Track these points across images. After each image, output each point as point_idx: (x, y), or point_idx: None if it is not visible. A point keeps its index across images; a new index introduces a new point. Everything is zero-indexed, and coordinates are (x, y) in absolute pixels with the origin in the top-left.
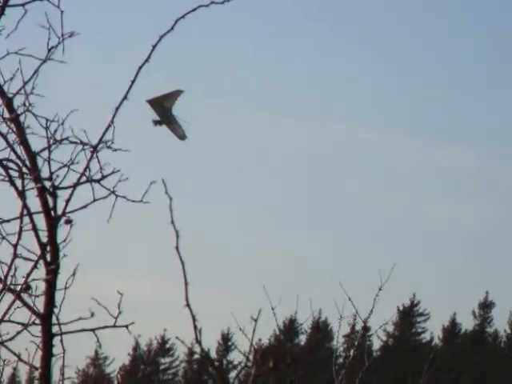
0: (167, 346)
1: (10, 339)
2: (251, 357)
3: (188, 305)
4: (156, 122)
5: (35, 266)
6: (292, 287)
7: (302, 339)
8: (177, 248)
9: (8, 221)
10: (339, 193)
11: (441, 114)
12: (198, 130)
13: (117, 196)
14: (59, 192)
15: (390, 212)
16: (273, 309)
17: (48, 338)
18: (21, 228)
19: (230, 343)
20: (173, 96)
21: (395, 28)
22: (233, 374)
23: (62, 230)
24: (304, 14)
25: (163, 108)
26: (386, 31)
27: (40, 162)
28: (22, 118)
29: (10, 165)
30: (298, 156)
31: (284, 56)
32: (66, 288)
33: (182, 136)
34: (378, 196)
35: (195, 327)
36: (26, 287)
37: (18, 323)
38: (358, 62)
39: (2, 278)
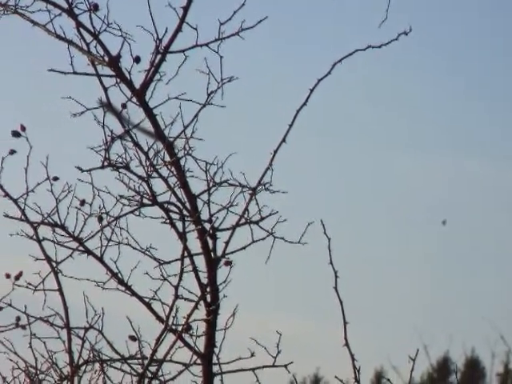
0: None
1: (172, 379)
2: None
3: (347, 344)
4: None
5: (196, 307)
6: (445, 325)
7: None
8: (335, 288)
9: (169, 262)
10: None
11: None
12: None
13: (275, 237)
14: (219, 234)
15: None
16: (425, 347)
17: (209, 377)
18: (182, 269)
19: (383, 382)
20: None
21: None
22: None
23: (222, 271)
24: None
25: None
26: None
27: (200, 204)
28: (182, 162)
29: (171, 207)
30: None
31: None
32: (226, 328)
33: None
34: None
35: (354, 366)
36: (187, 328)
37: (180, 363)
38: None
39: (164, 318)
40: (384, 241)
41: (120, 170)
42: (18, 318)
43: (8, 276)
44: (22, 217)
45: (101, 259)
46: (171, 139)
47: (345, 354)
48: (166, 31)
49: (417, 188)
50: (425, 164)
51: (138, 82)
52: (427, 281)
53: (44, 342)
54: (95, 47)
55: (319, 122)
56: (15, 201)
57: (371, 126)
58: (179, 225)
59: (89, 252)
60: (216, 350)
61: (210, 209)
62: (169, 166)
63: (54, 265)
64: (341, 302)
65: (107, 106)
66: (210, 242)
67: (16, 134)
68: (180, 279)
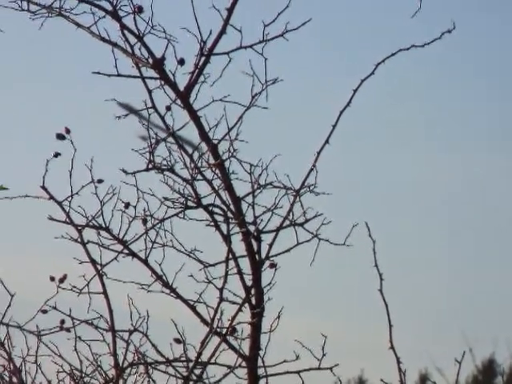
0: None
1: (217, 382)
2: None
3: (392, 347)
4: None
5: (240, 310)
6: (490, 327)
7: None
8: (380, 290)
9: (214, 265)
10: None
11: None
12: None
13: (320, 239)
14: (263, 236)
15: None
16: (470, 350)
17: (254, 380)
18: (226, 272)
19: None
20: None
21: None
22: None
23: (267, 274)
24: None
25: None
26: None
27: (244, 206)
28: (226, 164)
29: (216, 210)
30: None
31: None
32: (270, 331)
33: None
34: None
35: (399, 369)
36: (232, 330)
37: (225, 366)
38: None
39: (209, 321)
40: (428, 242)
41: (164, 173)
42: (63, 321)
43: (52, 279)
44: (67, 219)
45: (145, 262)
46: (216, 141)
47: (390, 356)
48: (210, 33)
49: (462, 189)
50: (468, 164)
51: (182, 84)
52: (472, 282)
53: (89, 345)
54: (139, 49)
55: (363, 122)
56: (60, 203)
57: (416, 126)
58: (224, 227)
59: (133, 254)
60: (261, 353)
61: (254, 211)
62: (213, 169)
63: (99, 267)
64: (386, 305)
65: (125, 106)
66: (254, 244)
67: (60, 137)
68: (225, 282)
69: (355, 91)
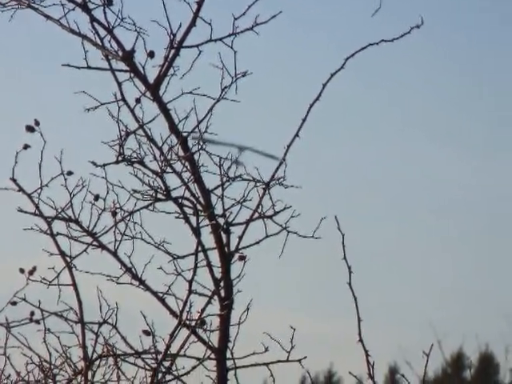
0: (334, 379)
1: (186, 374)
2: None
3: (361, 340)
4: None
5: (210, 302)
6: (458, 321)
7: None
8: (349, 284)
9: (183, 257)
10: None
11: None
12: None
13: (288, 232)
14: (232, 228)
15: None
16: (439, 342)
17: (223, 372)
18: (195, 264)
19: (397, 377)
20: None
21: None
22: None
23: (236, 266)
24: None
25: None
26: None
27: (214, 199)
28: (196, 157)
29: (185, 202)
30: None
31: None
32: (239, 323)
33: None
34: None
35: (368, 362)
36: (201, 322)
37: (194, 358)
38: None
39: (178, 313)
40: (398, 235)
41: (134, 165)
42: (32, 313)
43: (22, 271)
44: (36, 211)
45: (115, 254)
46: (185, 134)
47: (359, 349)
48: (179, 26)
49: (425, 182)
50: (434, 156)
51: (151, 76)
52: (440, 275)
53: (58, 337)
54: (109, 42)
55: (332, 115)
56: (29, 195)
57: (389, 118)
58: (193, 220)
59: (103, 247)
60: (230, 345)
61: (223, 203)
62: (183, 161)
63: (68, 260)
64: (355, 298)
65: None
66: (223, 236)
67: (30, 129)
68: (194, 274)
69: (324, 85)
